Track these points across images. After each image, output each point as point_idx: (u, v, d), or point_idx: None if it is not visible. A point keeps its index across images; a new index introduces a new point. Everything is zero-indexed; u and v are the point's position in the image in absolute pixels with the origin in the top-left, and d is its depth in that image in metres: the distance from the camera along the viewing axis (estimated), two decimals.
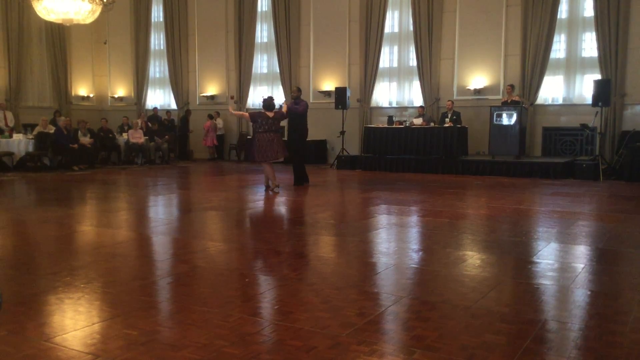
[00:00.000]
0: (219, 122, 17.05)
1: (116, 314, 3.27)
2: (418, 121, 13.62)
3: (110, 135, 15.28)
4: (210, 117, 16.93)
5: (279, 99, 12.63)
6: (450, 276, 4.16)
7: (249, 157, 10.35)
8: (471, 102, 13.89)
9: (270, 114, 9.27)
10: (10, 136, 13.51)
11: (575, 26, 13.03)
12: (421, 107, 14.18)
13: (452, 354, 2.72)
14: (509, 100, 12.55)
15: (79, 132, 14.11)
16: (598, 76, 12.32)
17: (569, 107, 13.15)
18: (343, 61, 15.51)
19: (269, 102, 9.38)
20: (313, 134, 15.55)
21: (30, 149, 13.28)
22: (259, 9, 16.71)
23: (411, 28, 14.48)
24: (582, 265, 4.51)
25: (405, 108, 14.98)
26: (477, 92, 13.84)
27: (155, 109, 17.69)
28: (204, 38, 17.62)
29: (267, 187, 9.35)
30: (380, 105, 15.41)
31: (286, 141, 10.05)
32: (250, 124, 10.09)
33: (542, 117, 13.40)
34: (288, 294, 3.75)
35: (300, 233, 5.95)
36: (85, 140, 14.07)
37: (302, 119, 9.97)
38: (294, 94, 10.32)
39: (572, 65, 13.12)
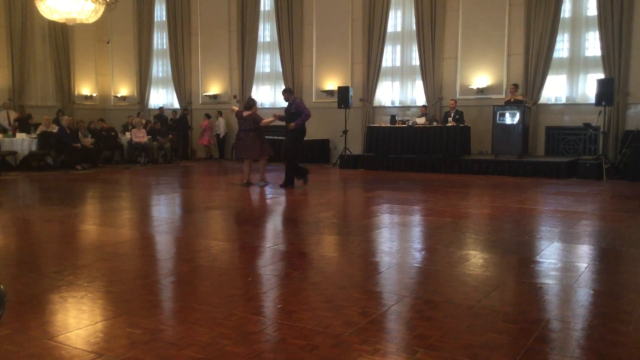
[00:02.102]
0: (221, 121, 17.08)
1: (119, 313, 3.28)
2: (421, 120, 13.62)
3: (113, 133, 15.30)
4: (208, 116, 17.04)
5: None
6: (453, 275, 4.15)
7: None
8: (474, 102, 13.86)
9: (246, 114, 9.91)
10: (14, 135, 13.54)
11: (578, 25, 13.00)
12: (424, 106, 14.17)
13: (455, 353, 2.72)
14: (512, 100, 12.53)
15: (79, 133, 14.06)
16: (601, 75, 12.28)
17: (572, 106, 13.12)
18: (346, 60, 15.51)
19: (247, 102, 10.21)
20: (316, 134, 15.65)
21: (34, 148, 13.31)
22: (261, 9, 16.72)
23: (414, 27, 14.47)
24: (585, 265, 4.50)
25: (408, 107, 14.97)
26: (480, 91, 13.82)
27: (161, 108, 17.73)
28: (207, 37, 17.64)
29: (246, 182, 10.07)
30: (382, 104, 15.41)
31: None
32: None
33: (545, 116, 13.38)
34: (291, 293, 3.75)
35: (302, 232, 5.95)
36: (87, 141, 14.08)
37: (290, 119, 9.59)
38: (284, 97, 9.98)
39: (575, 65, 13.09)
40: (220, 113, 17.12)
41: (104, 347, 2.78)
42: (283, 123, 9.98)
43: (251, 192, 9.52)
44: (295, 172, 9.81)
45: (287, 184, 9.70)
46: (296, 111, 9.61)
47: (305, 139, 15.74)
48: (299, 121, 9.53)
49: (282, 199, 8.66)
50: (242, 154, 10.11)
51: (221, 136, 17.16)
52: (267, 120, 10.01)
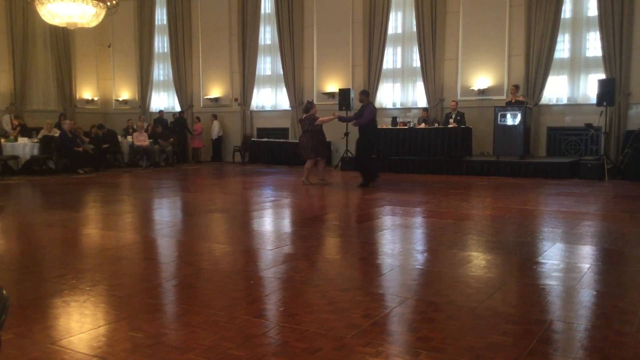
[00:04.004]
0: (215, 124, 17.13)
1: (122, 317, 3.28)
2: (421, 127, 13.59)
3: (110, 144, 15.08)
4: (198, 119, 17.28)
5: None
6: (455, 277, 4.15)
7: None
8: (475, 103, 13.86)
9: (304, 117, 10.54)
10: (16, 140, 13.56)
11: (579, 26, 13.00)
12: (425, 109, 14.17)
13: (458, 355, 2.72)
14: (513, 101, 12.53)
15: (77, 139, 13.99)
16: (602, 76, 12.28)
17: (573, 106, 13.12)
18: (347, 62, 15.52)
19: (305, 106, 10.72)
20: None
21: (35, 152, 13.33)
22: (262, 12, 16.74)
23: (414, 29, 14.48)
24: (587, 266, 4.49)
25: (409, 109, 14.97)
26: (481, 92, 13.82)
27: (161, 112, 17.75)
28: (208, 41, 17.67)
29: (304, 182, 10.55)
30: (384, 106, 15.40)
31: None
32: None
33: (546, 117, 13.37)
34: (293, 296, 3.75)
35: (304, 234, 5.95)
36: (86, 146, 14.07)
37: (372, 122, 10.10)
38: (359, 99, 10.45)
39: (577, 65, 13.09)
40: (214, 116, 17.17)
41: (107, 351, 2.78)
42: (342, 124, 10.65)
43: (252, 195, 9.53)
44: (364, 173, 10.21)
45: (365, 184, 10.14)
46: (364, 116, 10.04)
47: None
48: (360, 121, 9.99)
49: (284, 201, 8.66)
50: (301, 154, 10.70)
51: (213, 139, 17.24)
52: (323, 118, 10.56)
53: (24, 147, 13.28)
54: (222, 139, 17.47)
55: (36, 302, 3.59)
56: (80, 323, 3.21)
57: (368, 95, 10.42)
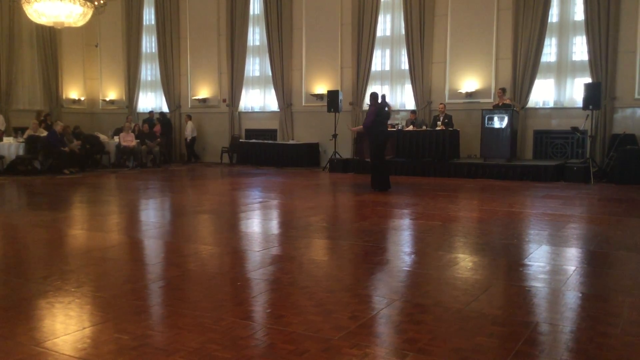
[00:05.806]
0: (189, 125, 17.06)
1: (107, 318, 3.25)
2: (409, 129, 13.63)
3: (89, 146, 14.90)
4: (159, 120, 17.31)
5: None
6: (442, 279, 4.17)
7: None
8: (463, 106, 13.93)
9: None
10: (1, 139, 13.41)
11: (565, 30, 13.11)
12: (413, 112, 14.21)
13: (445, 356, 2.73)
14: (500, 104, 12.60)
15: (65, 138, 13.85)
16: (589, 79, 12.38)
17: (559, 110, 13.22)
18: (335, 64, 15.53)
19: None
20: (305, 137, 15.69)
21: (21, 152, 13.19)
22: (251, 12, 16.70)
23: (403, 32, 14.53)
24: (573, 268, 4.53)
25: (398, 111, 15.00)
26: (469, 95, 13.89)
27: (151, 112, 17.62)
28: (196, 41, 17.60)
29: None
30: None
31: None
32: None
33: (533, 120, 13.46)
34: (280, 297, 3.74)
35: (292, 236, 5.94)
36: (73, 145, 13.95)
37: (373, 123, 9.76)
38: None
39: (563, 69, 13.19)
40: (189, 117, 17.11)
41: (92, 352, 2.76)
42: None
43: (240, 196, 9.50)
44: (372, 176, 9.91)
45: (382, 188, 9.78)
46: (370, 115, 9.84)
47: (296, 142, 15.85)
48: (365, 122, 9.82)
49: (272, 202, 8.65)
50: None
51: (188, 139, 17.18)
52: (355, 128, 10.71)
53: (9, 147, 13.14)
54: (197, 140, 17.41)
55: (20, 304, 3.55)
56: (65, 325, 3.18)
57: (374, 97, 9.95)
